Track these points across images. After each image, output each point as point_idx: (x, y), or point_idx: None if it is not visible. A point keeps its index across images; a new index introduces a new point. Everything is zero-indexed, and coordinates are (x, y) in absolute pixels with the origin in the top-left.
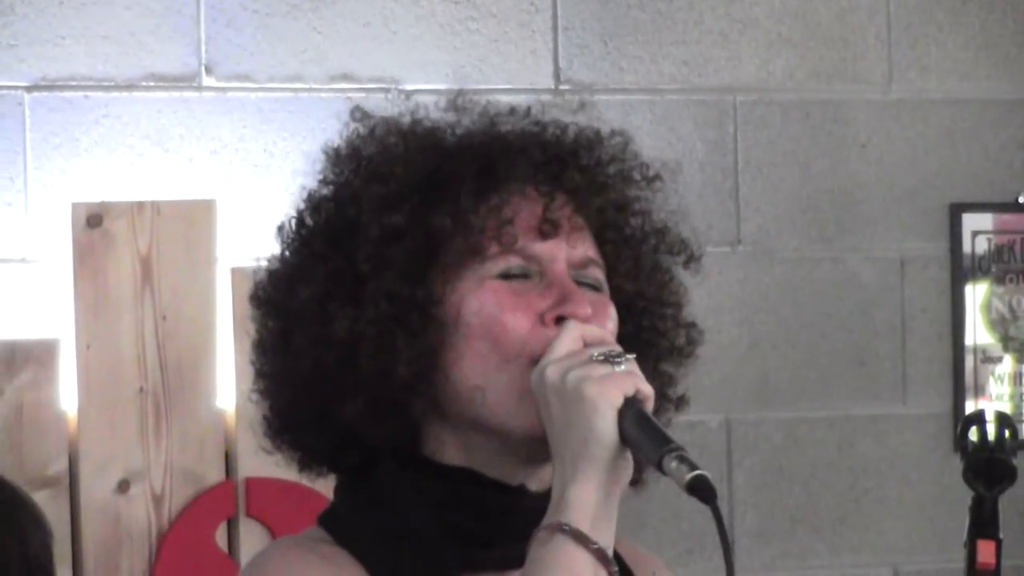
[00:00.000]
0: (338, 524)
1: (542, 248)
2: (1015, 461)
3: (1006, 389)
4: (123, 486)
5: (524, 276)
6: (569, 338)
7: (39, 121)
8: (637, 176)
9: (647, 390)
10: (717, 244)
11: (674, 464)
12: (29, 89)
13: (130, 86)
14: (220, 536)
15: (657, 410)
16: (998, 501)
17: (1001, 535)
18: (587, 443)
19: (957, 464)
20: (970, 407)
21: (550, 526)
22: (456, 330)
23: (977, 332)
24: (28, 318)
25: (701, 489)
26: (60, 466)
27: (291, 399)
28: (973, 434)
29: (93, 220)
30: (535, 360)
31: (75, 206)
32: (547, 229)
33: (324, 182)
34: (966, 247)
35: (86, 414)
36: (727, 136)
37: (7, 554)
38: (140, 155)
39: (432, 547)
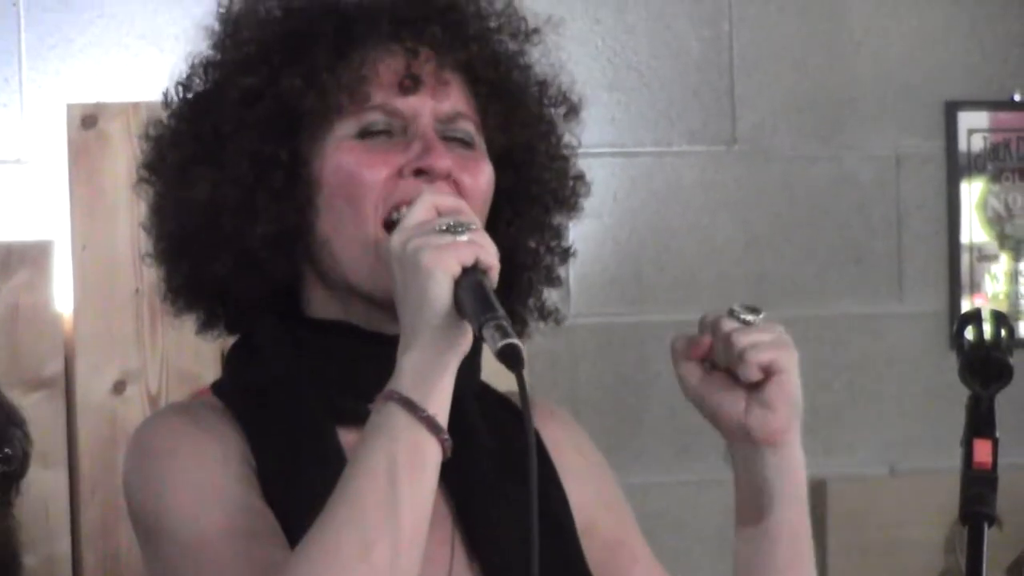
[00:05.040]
0: (223, 386)
1: (404, 103)
2: (1011, 360)
3: (1002, 287)
4: (119, 387)
5: (387, 133)
6: (422, 208)
7: (34, 21)
8: (514, 31)
9: (488, 260)
10: (712, 143)
11: (490, 332)
12: None
13: None
14: None
15: (541, 264)
16: (994, 400)
17: (997, 434)
18: (421, 310)
19: (953, 362)
20: (966, 305)
21: (384, 394)
22: (320, 190)
23: (973, 230)
24: (23, 219)
25: (509, 356)
26: (56, 367)
27: (170, 263)
28: (969, 332)
29: (88, 121)
30: (391, 214)
31: (70, 107)
32: (408, 84)
33: (207, 49)
34: (962, 145)
35: (82, 315)
36: (722, 34)
37: None
38: (135, 55)
39: (305, 399)
